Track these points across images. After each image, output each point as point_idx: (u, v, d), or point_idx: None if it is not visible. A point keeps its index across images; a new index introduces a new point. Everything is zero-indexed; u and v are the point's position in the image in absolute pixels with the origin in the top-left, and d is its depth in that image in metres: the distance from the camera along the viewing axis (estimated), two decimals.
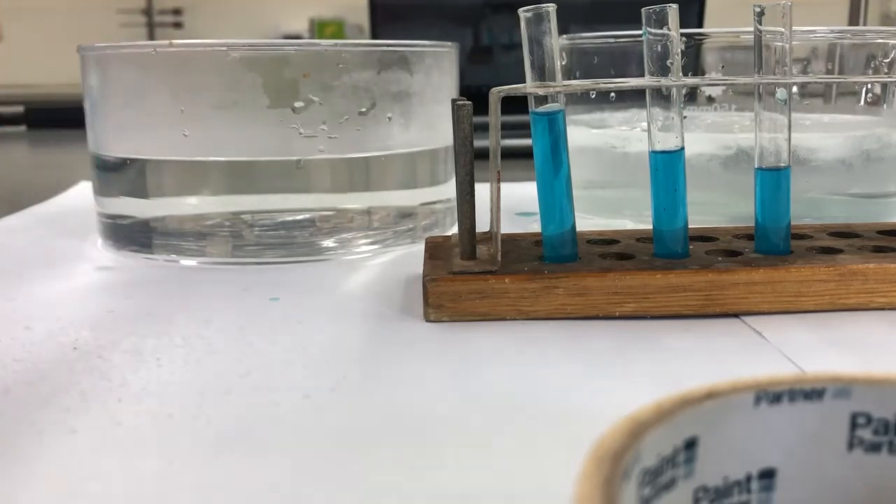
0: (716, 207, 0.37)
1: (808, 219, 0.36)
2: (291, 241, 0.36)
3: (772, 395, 0.13)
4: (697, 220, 0.31)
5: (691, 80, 0.34)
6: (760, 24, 0.28)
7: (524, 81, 0.28)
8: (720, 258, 0.29)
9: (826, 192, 0.38)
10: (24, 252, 0.39)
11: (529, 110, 0.29)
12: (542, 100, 0.28)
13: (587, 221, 0.38)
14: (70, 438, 0.20)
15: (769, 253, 0.29)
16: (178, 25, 2.47)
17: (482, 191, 0.28)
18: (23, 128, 1.15)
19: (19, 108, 1.17)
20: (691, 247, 0.30)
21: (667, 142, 0.29)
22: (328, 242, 0.37)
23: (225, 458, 0.19)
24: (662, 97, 0.28)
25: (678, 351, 0.25)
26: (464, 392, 0.22)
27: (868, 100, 0.39)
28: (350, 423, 0.20)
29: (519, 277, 0.28)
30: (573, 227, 0.29)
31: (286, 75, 0.35)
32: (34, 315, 0.29)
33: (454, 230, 0.35)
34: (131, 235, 0.38)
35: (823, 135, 0.39)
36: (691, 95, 0.42)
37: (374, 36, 0.92)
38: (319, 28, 2.34)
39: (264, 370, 0.24)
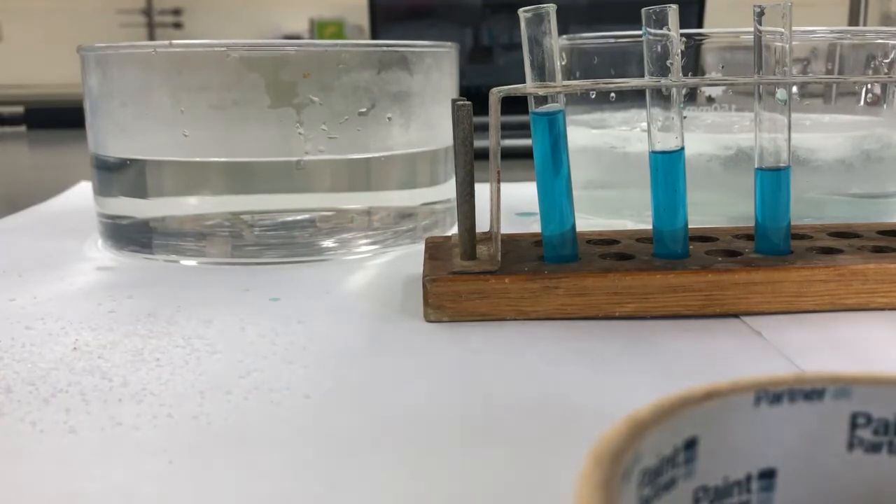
0: (716, 207, 0.37)
1: (808, 219, 0.36)
2: (291, 241, 0.36)
3: (772, 395, 0.13)
4: (697, 220, 0.31)
5: (691, 80, 0.34)
6: (760, 24, 0.28)
7: (524, 81, 0.28)
8: (720, 258, 0.29)
9: (826, 192, 0.38)
10: (24, 252, 0.39)
11: (529, 110, 0.29)
12: (542, 100, 0.28)
13: (587, 221, 0.38)
14: (70, 438, 0.20)
15: (769, 253, 0.29)
16: (178, 25, 2.47)
17: (482, 191, 0.28)
18: (23, 128, 1.15)
19: (19, 108, 1.17)
20: (691, 247, 0.30)
21: (667, 142, 0.29)
22: (328, 242, 0.37)
23: (225, 458, 0.19)
24: (662, 97, 0.28)
25: (678, 351, 0.25)
26: (464, 392, 0.22)
27: (868, 100, 0.39)
28: (350, 423, 0.20)
29: (519, 277, 0.28)
30: (573, 227, 0.29)
31: (286, 76, 0.35)
32: (34, 315, 0.29)
33: (454, 230, 0.35)
34: (131, 235, 0.38)
35: (823, 135, 0.39)
36: (691, 95, 0.42)
37: (374, 36, 0.92)
38: (319, 28, 2.34)
39: (264, 370, 0.24)
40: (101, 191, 0.39)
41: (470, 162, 0.28)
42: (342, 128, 0.36)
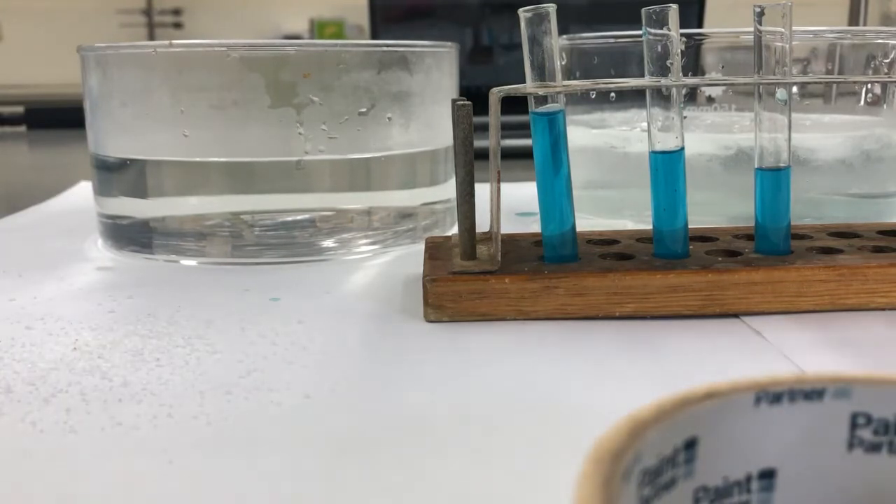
0: (716, 207, 0.37)
1: (808, 219, 0.36)
2: (291, 241, 0.36)
3: (772, 395, 0.13)
4: (697, 220, 0.31)
5: (691, 80, 0.34)
6: (760, 24, 0.28)
7: (524, 81, 0.28)
8: (720, 258, 0.29)
9: (826, 192, 0.38)
10: (24, 252, 0.39)
11: (529, 110, 0.29)
12: (542, 100, 0.28)
13: (587, 221, 0.38)
14: (70, 438, 0.20)
15: (769, 253, 0.29)
16: (178, 25, 2.47)
17: (482, 191, 0.28)
18: (23, 128, 1.15)
19: (19, 108, 1.17)
20: (691, 247, 0.30)
21: (667, 142, 0.29)
22: (328, 242, 0.37)
23: (225, 458, 0.19)
24: (662, 97, 0.28)
25: (678, 351, 0.25)
26: (464, 392, 0.22)
27: (868, 100, 0.39)
28: (350, 423, 0.20)
29: (519, 277, 0.28)
30: (573, 227, 0.29)
31: (286, 76, 0.35)
32: (34, 315, 0.29)
33: (454, 230, 0.35)
34: (131, 235, 0.38)
35: (823, 135, 0.39)
36: (691, 95, 0.42)
37: (374, 36, 0.92)
38: (319, 28, 2.34)
39: (264, 370, 0.24)
40: (101, 191, 0.39)
41: (470, 162, 0.28)
42: (342, 128, 0.36)
